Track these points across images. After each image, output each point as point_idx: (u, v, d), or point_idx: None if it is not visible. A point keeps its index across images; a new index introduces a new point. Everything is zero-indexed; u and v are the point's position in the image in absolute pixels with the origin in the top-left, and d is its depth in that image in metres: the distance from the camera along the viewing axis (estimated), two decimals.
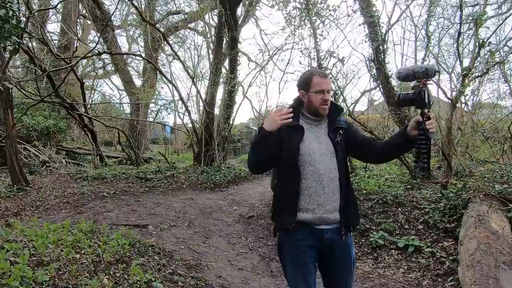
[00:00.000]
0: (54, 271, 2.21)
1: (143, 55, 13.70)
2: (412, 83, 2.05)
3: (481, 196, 5.12)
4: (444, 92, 7.26)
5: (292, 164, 2.10)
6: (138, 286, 2.54)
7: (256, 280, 3.98)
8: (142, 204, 6.10)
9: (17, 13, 2.84)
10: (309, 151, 2.11)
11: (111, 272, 2.58)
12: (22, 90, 7.23)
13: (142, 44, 17.14)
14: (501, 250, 3.58)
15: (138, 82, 18.21)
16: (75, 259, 2.56)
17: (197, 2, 12.92)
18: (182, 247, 4.46)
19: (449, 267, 4.44)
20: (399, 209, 5.99)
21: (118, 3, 10.04)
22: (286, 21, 8.61)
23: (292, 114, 2.00)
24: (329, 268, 2.20)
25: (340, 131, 2.20)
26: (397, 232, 5.42)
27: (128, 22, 16.80)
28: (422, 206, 5.86)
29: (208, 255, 4.43)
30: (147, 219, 5.32)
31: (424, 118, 1.93)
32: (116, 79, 21.20)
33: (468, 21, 6.17)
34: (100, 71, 19.26)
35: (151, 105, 18.25)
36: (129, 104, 16.70)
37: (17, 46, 2.92)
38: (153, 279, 2.75)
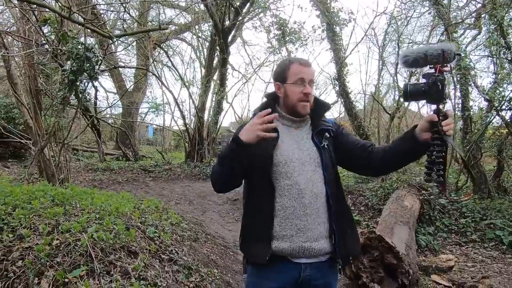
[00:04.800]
0: (132, 209, 3.92)
1: (136, 63, 15.38)
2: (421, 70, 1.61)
3: (405, 185, 7.09)
4: (384, 108, 9.25)
5: (264, 177, 1.66)
6: (174, 223, 4.28)
7: None
8: (151, 188, 7.81)
9: (99, 55, 4.54)
10: (286, 160, 1.66)
11: (159, 215, 4.31)
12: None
13: (131, 50, 18.55)
14: (403, 216, 5.42)
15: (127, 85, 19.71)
16: (136, 206, 4.27)
17: (185, 14, 14.68)
18: (188, 215, 6.19)
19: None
20: (349, 195, 7.89)
21: (123, 14, 11.56)
22: (268, 41, 10.52)
23: (274, 124, 1.56)
24: None
25: (327, 134, 1.75)
26: None
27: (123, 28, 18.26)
28: (365, 194, 7.79)
29: (206, 221, 6.17)
30: (158, 198, 7.01)
31: (440, 117, 1.48)
32: (102, 80, 22.46)
33: None
34: None
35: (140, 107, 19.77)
36: (121, 106, 17.99)
37: (96, 76, 4.63)
38: (181, 221, 4.50)
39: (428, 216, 6.38)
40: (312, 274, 1.66)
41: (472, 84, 7.64)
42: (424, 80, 1.52)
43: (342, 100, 10.31)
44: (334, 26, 9.68)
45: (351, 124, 10.33)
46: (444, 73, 1.50)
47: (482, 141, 7.28)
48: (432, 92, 1.48)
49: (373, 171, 1.90)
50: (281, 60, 1.93)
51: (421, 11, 9.59)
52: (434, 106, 1.53)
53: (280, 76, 1.76)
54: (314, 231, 1.64)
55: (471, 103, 7.56)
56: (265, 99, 1.89)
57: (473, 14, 8.55)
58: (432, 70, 1.51)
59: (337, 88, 10.28)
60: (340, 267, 1.76)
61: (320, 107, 1.84)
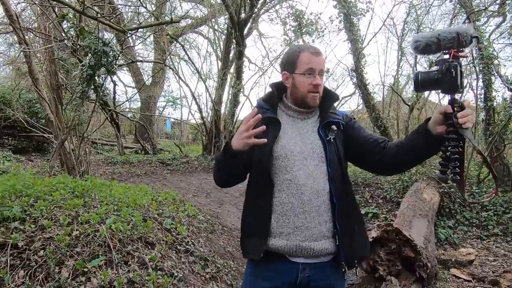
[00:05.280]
0: (150, 201, 3.99)
1: (153, 57, 15.53)
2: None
3: (424, 178, 6.97)
4: (403, 99, 9.06)
5: (263, 170, 1.58)
6: (191, 215, 4.34)
7: None
8: (169, 181, 7.91)
9: (116, 50, 4.60)
10: (286, 153, 1.58)
11: (176, 207, 4.37)
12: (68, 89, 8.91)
13: (149, 45, 18.72)
14: (421, 209, 5.34)
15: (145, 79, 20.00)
16: (154, 199, 4.35)
17: (201, 7, 14.74)
18: (205, 208, 6.25)
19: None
20: (367, 188, 7.83)
21: (138, 8, 11.69)
22: (284, 33, 10.46)
23: (262, 128, 1.44)
24: None
25: (334, 126, 1.62)
26: (362, 204, 7.24)
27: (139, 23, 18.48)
28: (383, 186, 7.70)
29: (223, 214, 6.22)
30: (175, 190, 7.11)
31: (456, 108, 1.34)
32: (121, 75, 22.78)
33: None
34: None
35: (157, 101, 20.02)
36: (139, 100, 18.22)
37: (113, 70, 4.69)
38: (197, 213, 4.55)
39: (448, 209, 6.27)
40: (311, 275, 1.56)
41: (495, 74, 7.39)
42: (437, 68, 1.37)
43: (360, 92, 10.14)
44: (351, 16, 9.49)
45: (369, 116, 10.18)
46: (460, 58, 1.34)
47: (506, 132, 7.06)
48: (446, 80, 1.33)
49: (386, 168, 1.68)
50: (289, 48, 1.78)
51: None
52: (450, 97, 1.38)
53: (289, 65, 1.66)
54: (314, 230, 1.54)
55: (494, 93, 7.31)
56: (270, 89, 1.78)
57: (497, 1, 8.25)
58: (447, 56, 1.36)
59: (355, 79, 10.10)
60: (344, 270, 1.60)
61: (329, 98, 1.71)
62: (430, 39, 1.36)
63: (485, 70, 7.20)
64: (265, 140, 1.47)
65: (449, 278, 4.01)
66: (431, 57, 8.06)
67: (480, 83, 7.39)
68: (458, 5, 8.19)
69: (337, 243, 1.56)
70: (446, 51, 1.35)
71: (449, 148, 1.36)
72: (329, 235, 1.56)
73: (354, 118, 1.81)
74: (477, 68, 7.25)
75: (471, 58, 7.16)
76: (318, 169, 1.57)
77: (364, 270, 3.52)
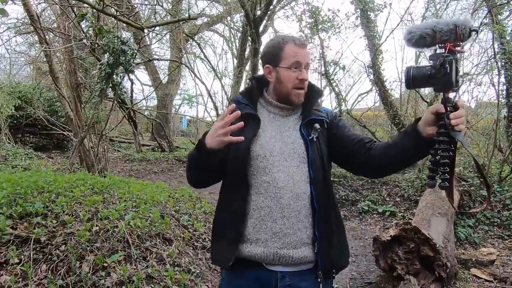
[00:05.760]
0: (167, 197, 4.04)
1: (170, 55, 15.66)
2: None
3: None
4: (421, 96, 8.89)
5: (239, 171, 1.46)
6: (207, 212, 4.37)
7: None
8: (185, 178, 7.91)
9: (134, 49, 4.66)
10: (265, 153, 1.47)
11: (193, 204, 4.42)
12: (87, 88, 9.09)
13: (165, 43, 18.89)
14: (440, 207, 5.25)
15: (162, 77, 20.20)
16: (171, 195, 4.40)
17: (217, 5, 14.78)
18: None
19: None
20: (384, 186, 7.74)
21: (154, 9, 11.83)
22: (300, 30, 10.41)
23: (240, 125, 1.34)
24: None
25: (316, 125, 1.51)
26: (379, 202, 7.16)
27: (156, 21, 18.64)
28: (401, 184, 7.59)
29: None
30: (191, 188, 7.17)
31: (448, 108, 1.22)
32: (138, 73, 23.02)
33: None
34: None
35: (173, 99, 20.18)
36: (156, 98, 18.42)
37: (131, 69, 4.76)
38: (214, 210, 4.58)
39: (468, 207, 6.14)
40: (292, 284, 1.44)
41: None
42: (431, 63, 1.25)
43: (377, 89, 10.01)
44: (368, 12, 9.37)
45: (386, 114, 10.05)
46: (457, 53, 1.21)
47: None
48: (439, 76, 1.20)
49: (371, 170, 1.56)
50: (271, 39, 1.64)
51: None
52: (443, 95, 1.26)
53: (272, 58, 1.52)
54: (293, 236, 1.42)
55: None
56: (250, 83, 1.65)
57: None
58: (442, 50, 1.23)
59: (372, 76, 9.98)
60: (319, 280, 1.46)
61: (312, 93, 1.58)
62: (425, 31, 1.23)
63: (508, 65, 7.01)
64: (242, 138, 1.36)
65: (469, 278, 3.93)
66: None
67: (502, 79, 7.20)
68: None
69: (318, 251, 1.45)
70: (442, 44, 1.23)
71: (439, 152, 1.23)
72: (309, 242, 1.45)
73: (340, 116, 1.72)
74: (499, 63, 7.07)
75: (493, 54, 6.98)
76: (299, 171, 1.46)
77: (382, 269, 3.49)
